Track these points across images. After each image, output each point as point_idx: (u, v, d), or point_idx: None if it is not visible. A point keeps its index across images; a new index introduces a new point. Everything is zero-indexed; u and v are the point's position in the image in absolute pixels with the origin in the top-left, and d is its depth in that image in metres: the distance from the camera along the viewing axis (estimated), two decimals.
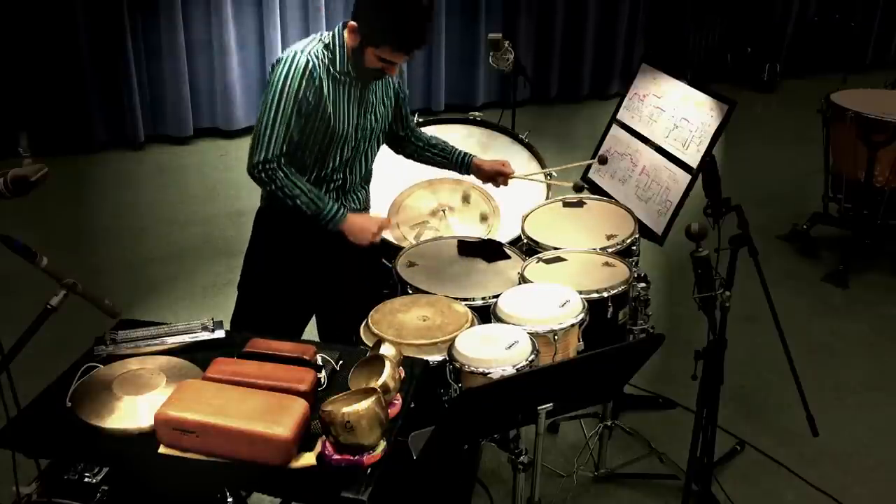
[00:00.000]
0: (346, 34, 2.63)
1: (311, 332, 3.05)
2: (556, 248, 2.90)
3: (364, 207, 2.93)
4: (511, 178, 3.06)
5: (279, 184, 2.63)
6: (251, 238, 2.91)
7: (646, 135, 3.33)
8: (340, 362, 2.25)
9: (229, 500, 1.87)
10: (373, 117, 2.77)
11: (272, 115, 2.58)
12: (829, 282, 4.57)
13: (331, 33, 2.65)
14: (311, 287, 2.90)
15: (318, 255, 2.82)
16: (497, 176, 3.05)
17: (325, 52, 2.61)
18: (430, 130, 3.74)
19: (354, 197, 2.86)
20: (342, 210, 2.71)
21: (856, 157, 4.47)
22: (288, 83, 2.56)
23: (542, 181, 3.40)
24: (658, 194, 3.16)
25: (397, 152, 3.10)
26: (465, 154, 3.05)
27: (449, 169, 3.10)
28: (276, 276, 2.86)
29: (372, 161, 2.89)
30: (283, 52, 2.69)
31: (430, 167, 3.13)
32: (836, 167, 4.71)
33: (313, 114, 2.62)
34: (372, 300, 2.67)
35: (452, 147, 3.06)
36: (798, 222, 4.96)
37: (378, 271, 3.10)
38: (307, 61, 2.56)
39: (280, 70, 2.57)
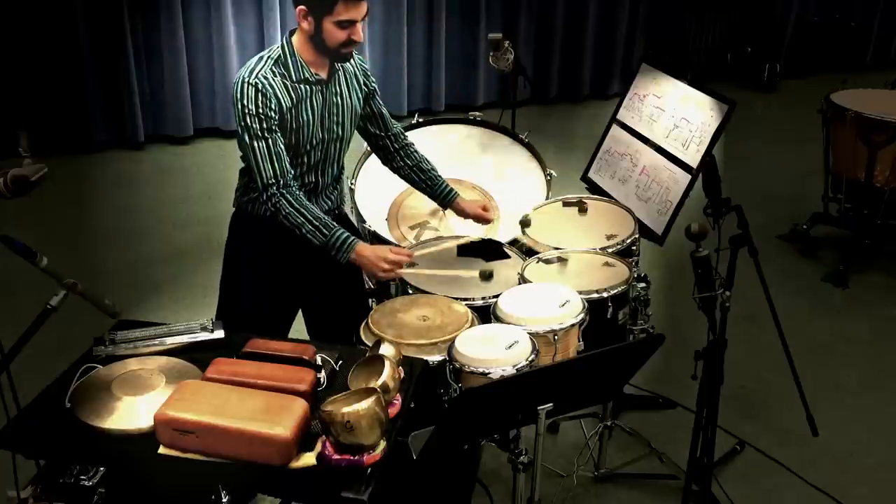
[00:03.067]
0: (295, 37, 2.62)
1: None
2: (556, 249, 2.90)
3: (337, 207, 2.90)
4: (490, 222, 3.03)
5: (284, 212, 2.59)
6: (227, 239, 2.88)
7: (646, 135, 3.33)
8: (340, 362, 2.25)
9: (224, 500, 1.86)
10: (338, 119, 2.72)
11: (248, 143, 2.57)
12: (829, 282, 4.57)
13: (278, 46, 2.62)
14: (292, 288, 2.86)
15: (295, 258, 2.78)
16: (477, 219, 3.01)
17: (276, 68, 2.58)
18: (430, 130, 3.75)
19: (326, 198, 2.84)
20: (351, 240, 2.61)
21: (856, 157, 4.47)
22: (246, 109, 2.54)
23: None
24: (658, 194, 3.16)
25: (384, 163, 3.01)
26: (451, 191, 2.98)
27: (430, 198, 3.04)
28: (254, 277, 2.82)
29: (342, 161, 2.87)
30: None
31: None
32: (836, 167, 4.71)
33: (280, 126, 2.59)
34: (363, 301, 2.65)
35: (441, 180, 2.98)
36: (798, 222, 4.95)
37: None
38: (255, 84, 2.54)
39: (235, 102, 2.56)
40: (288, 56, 2.60)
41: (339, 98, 2.71)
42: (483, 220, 3.01)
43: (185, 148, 6.36)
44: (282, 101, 2.58)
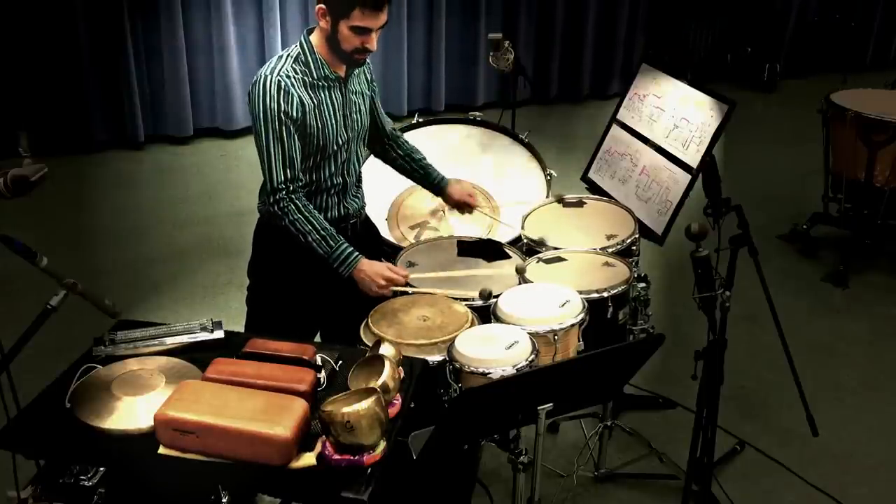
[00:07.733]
0: (314, 35, 2.62)
1: None
2: (556, 248, 2.90)
3: (362, 207, 2.92)
4: (475, 209, 3.04)
5: (291, 218, 2.58)
6: (253, 252, 2.85)
7: (646, 135, 3.33)
8: (340, 362, 2.25)
9: (224, 500, 1.86)
10: (357, 116, 2.74)
11: (264, 143, 2.55)
12: (829, 282, 4.57)
13: (297, 45, 2.62)
14: (319, 295, 2.80)
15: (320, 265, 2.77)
16: (463, 205, 3.03)
17: (297, 66, 2.58)
18: (430, 130, 3.75)
19: (353, 198, 2.84)
20: (355, 255, 2.61)
21: (856, 157, 4.47)
22: (267, 107, 2.53)
23: (496, 219, 3.29)
24: (658, 194, 3.16)
25: (378, 156, 3.04)
26: (442, 178, 3.01)
27: (422, 185, 3.06)
28: (284, 287, 2.78)
29: (363, 159, 2.88)
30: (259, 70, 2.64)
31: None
32: (836, 167, 4.71)
33: (301, 129, 2.58)
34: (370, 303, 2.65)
35: (433, 168, 3.01)
36: (798, 222, 4.95)
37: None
38: (278, 81, 2.53)
39: (255, 99, 2.55)
40: (308, 54, 2.60)
41: (356, 96, 2.73)
42: (466, 206, 3.02)
43: (185, 148, 6.36)
44: (304, 100, 2.57)
